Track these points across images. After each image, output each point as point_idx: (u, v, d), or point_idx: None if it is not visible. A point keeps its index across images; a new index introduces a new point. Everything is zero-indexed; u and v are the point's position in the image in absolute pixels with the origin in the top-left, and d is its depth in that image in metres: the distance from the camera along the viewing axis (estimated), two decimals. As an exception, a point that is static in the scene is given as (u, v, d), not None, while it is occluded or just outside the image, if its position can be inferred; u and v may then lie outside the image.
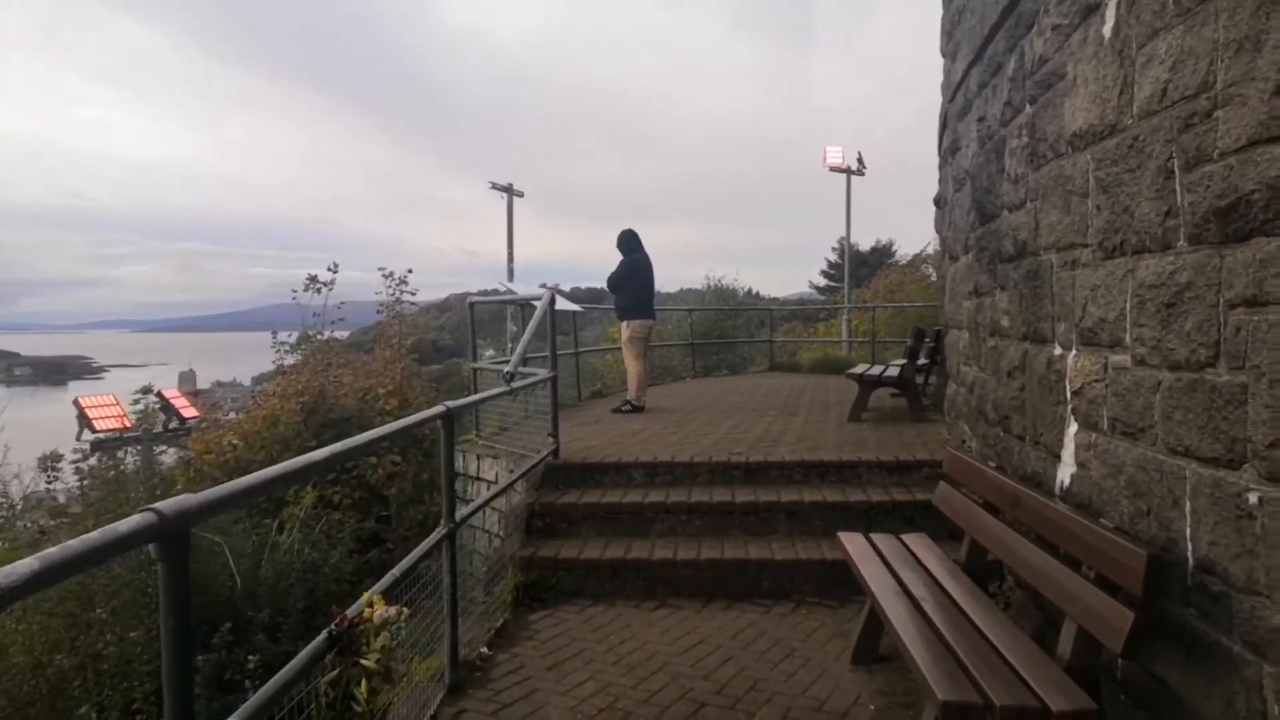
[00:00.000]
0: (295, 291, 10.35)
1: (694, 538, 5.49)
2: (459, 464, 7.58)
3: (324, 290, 10.28)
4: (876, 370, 8.76)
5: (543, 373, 6.35)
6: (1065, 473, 3.68)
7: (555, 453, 6.26)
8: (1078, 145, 3.51)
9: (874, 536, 4.51)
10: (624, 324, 9.83)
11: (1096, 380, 3.36)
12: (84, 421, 20.51)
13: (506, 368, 5.03)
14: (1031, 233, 4.13)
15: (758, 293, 23.87)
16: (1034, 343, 4.12)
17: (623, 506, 5.61)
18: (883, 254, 47.10)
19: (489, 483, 6.90)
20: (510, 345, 14.88)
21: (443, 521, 3.87)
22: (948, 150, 7.23)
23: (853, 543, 4.44)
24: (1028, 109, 4.24)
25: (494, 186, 16.01)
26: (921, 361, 9.18)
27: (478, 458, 7.18)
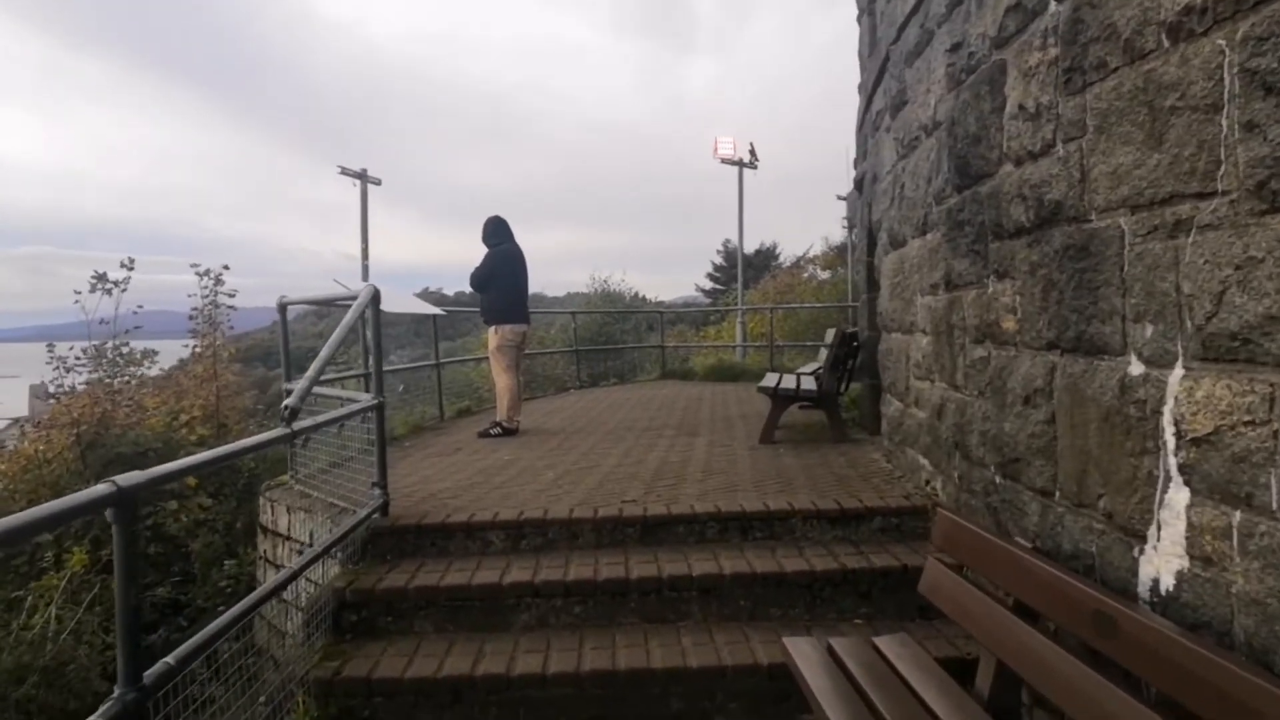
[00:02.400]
0: (79, 294, 8.22)
1: (573, 631, 3.90)
2: (266, 516, 5.78)
3: (115, 291, 8.21)
4: (791, 383, 7.38)
5: (363, 399, 4.65)
6: (1164, 568, 2.26)
7: (384, 508, 4.56)
8: (1187, 31, 2.12)
9: (835, 644, 3.03)
10: (491, 330, 8.16)
11: (1245, 423, 1.96)
12: None
13: (287, 399, 3.38)
14: (1073, 188, 2.72)
15: (644, 296, 22.52)
16: (1078, 354, 2.71)
17: (473, 590, 3.97)
18: (767, 256, 46.68)
19: (301, 545, 5.15)
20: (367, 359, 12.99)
21: (117, 687, 2.21)
22: (882, 112, 5.88)
23: (805, 658, 2.95)
24: (1054, 5, 2.85)
25: (344, 172, 13.97)
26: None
27: (288, 509, 5.40)
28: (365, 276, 12.98)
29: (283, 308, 5.93)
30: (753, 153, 19.02)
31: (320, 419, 4.05)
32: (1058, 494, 2.89)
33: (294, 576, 3.46)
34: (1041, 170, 2.93)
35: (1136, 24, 2.33)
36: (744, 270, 26.60)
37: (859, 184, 7.61)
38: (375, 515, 4.50)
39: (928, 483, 4.67)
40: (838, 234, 34.56)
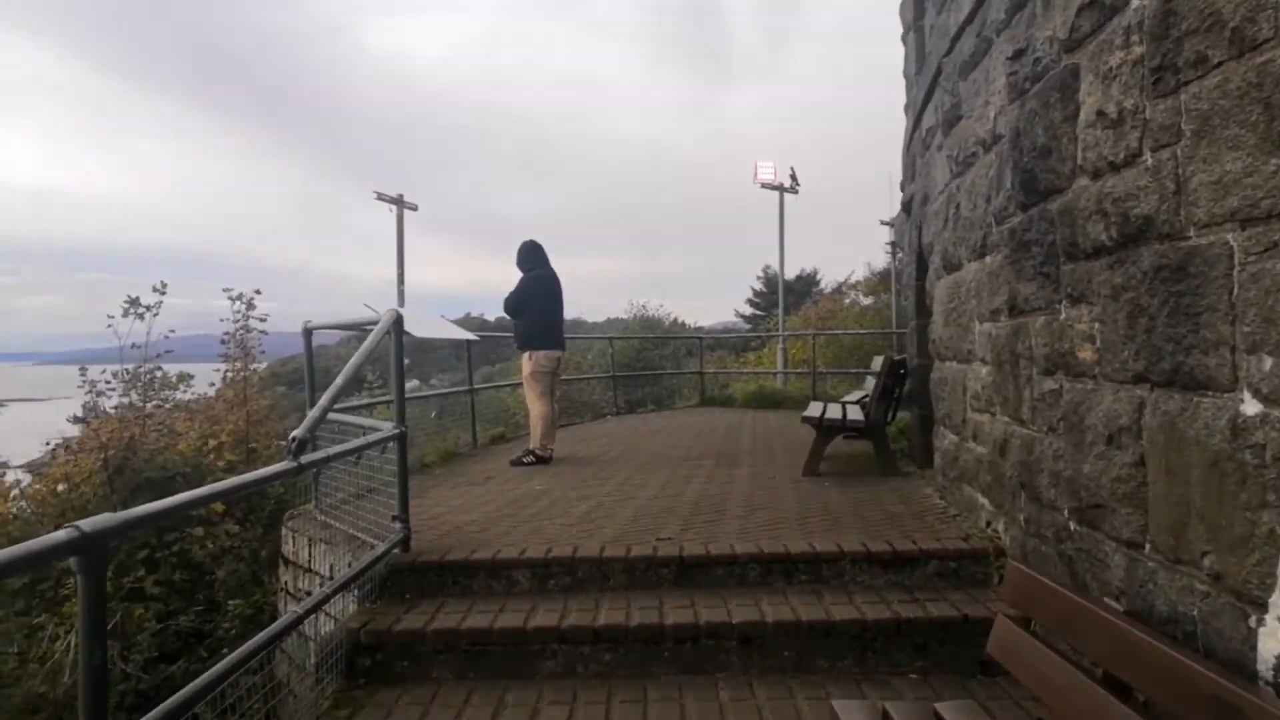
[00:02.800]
0: (112, 318, 8.17)
1: (602, 682, 3.61)
2: (288, 546, 5.57)
3: (147, 315, 8.14)
4: (837, 413, 7.05)
5: (384, 428, 4.42)
6: (1290, 642, 1.93)
7: (404, 543, 4.31)
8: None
9: (892, 710, 2.71)
10: (525, 356, 7.94)
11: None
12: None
13: (295, 431, 3.14)
14: (1165, 201, 2.41)
15: (683, 322, 22.26)
16: (1174, 389, 2.39)
17: (495, 635, 3.70)
18: (808, 282, 46.27)
19: (321, 578, 4.92)
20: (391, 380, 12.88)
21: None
22: (933, 130, 5.58)
23: (861, 728, 2.63)
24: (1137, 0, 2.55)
25: (380, 197, 13.93)
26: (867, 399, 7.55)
27: (309, 540, 5.19)
28: (401, 301, 12.86)
29: (308, 332, 5.75)
30: (793, 177, 18.77)
31: (333, 451, 3.82)
32: (1148, 547, 2.55)
33: (298, 621, 3.20)
34: (1126, 183, 2.62)
35: (1248, 10, 2.03)
36: (785, 296, 26.28)
37: (907, 206, 7.30)
38: (395, 550, 4.25)
39: (988, 524, 4.32)
40: (881, 259, 34.14)
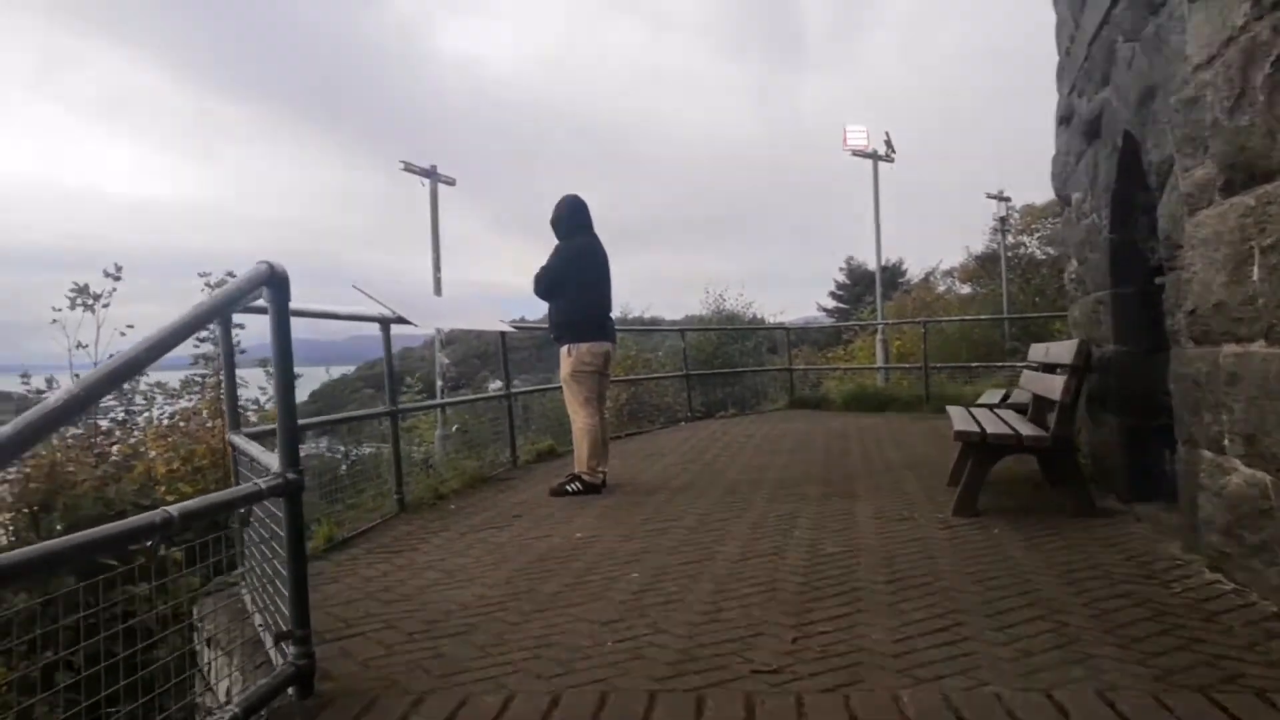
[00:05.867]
0: (58, 310, 6.53)
1: None
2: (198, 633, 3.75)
3: (95, 307, 6.50)
4: (1000, 426, 4.91)
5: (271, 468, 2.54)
6: None
7: (301, 680, 2.42)
8: None
9: None
10: (564, 350, 6.02)
11: None
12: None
13: None
14: None
15: (761, 318, 20.12)
16: None
17: None
18: (894, 273, 43.57)
19: (216, 706, 3.09)
20: (440, 383, 10.99)
21: None
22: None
23: None
24: None
25: (408, 168, 12.21)
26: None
27: (209, 638, 3.36)
28: (438, 290, 11.21)
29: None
30: (888, 143, 16.47)
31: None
32: None
33: None
34: None
35: None
36: (870, 289, 23.90)
37: (1094, 123, 5.14)
38: (286, 692, 2.36)
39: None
40: (978, 243, 31.39)
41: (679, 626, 2.97)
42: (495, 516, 5.29)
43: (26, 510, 5.59)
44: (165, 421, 7.26)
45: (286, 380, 2.39)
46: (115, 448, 6.50)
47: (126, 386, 7.67)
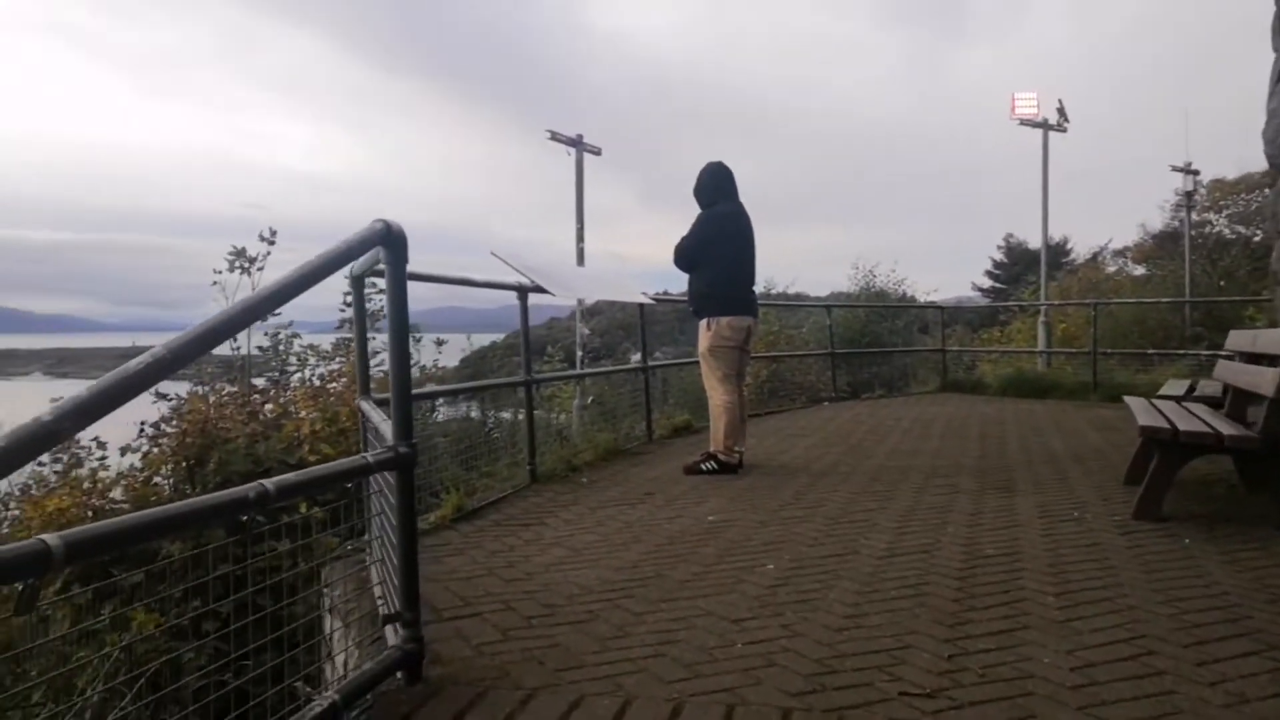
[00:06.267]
0: (218, 273, 6.86)
1: None
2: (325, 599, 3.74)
3: (252, 270, 6.76)
4: (1195, 424, 4.30)
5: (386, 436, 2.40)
6: None
7: (410, 664, 2.29)
8: None
9: None
10: (703, 324, 5.77)
11: None
12: None
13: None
14: None
15: (912, 296, 19.15)
16: None
17: None
18: (1057, 252, 40.91)
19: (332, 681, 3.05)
20: (580, 353, 10.93)
21: None
22: None
23: None
24: None
25: (554, 137, 12.17)
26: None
27: (331, 607, 3.32)
28: (580, 261, 11.16)
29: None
30: (1061, 112, 15.22)
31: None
32: None
33: None
34: None
35: None
36: (1031, 267, 22.37)
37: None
38: (394, 678, 2.24)
39: None
40: (1155, 219, 29.01)
41: (817, 630, 2.68)
42: (626, 492, 5.13)
43: (183, 463, 5.82)
44: (316, 383, 7.48)
45: (402, 347, 2.24)
46: (268, 406, 6.72)
47: (281, 347, 7.98)
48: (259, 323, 7.02)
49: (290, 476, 1.80)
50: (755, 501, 4.76)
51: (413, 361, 9.28)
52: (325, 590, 3.42)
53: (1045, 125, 15.12)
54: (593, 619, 2.83)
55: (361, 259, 3.45)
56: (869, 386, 13.01)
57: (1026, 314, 18.92)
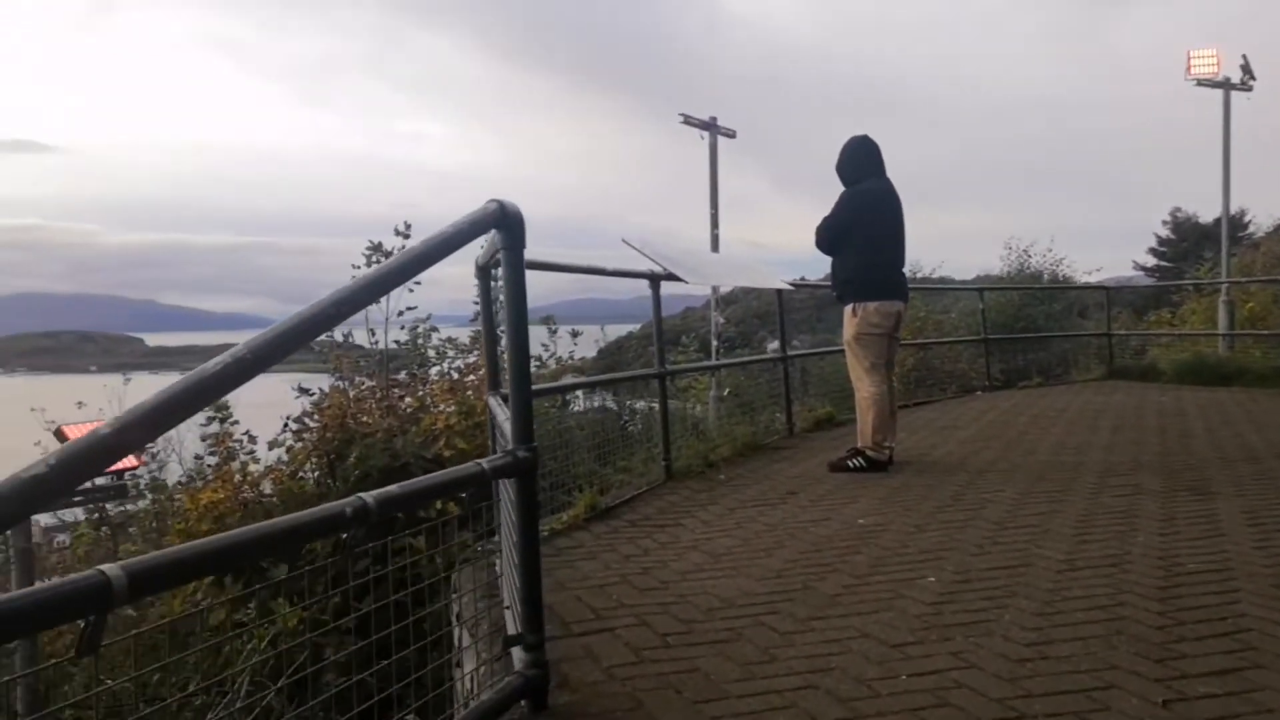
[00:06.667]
0: (356, 267, 6.98)
1: None
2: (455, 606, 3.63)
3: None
4: None
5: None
6: None
7: (535, 692, 2.09)
8: None
9: None
10: (848, 310, 5.39)
11: None
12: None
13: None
14: None
15: (1068, 277, 17.82)
16: None
17: None
18: (1234, 225, 37.53)
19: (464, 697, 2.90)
20: (716, 343, 10.67)
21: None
22: None
23: None
24: None
25: (687, 121, 11.87)
26: None
27: (457, 614, 3.19)
28: (715, 247, 10.88)
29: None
30: (1245, 69, 13.76)
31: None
32: None
33: None
34: None
35: None
36: (1202, 242, 20.49)
37: None
38: (519, 705, 2.05)
39: None
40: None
41: (994, 661, 2.33)
42: (767, 491, 4.83)
43: (325, 457, 5.91)
44: (454, 376, 7.51)
45: (520, 339, 2.04)
46: (405, 400, 6.78)
47: (419, 341, 8.07)
48: (396, 316, 7.09)
49: (394, 489, 1.63)
50: (909, 503, 4.38)
51: (550, 353, 9.27)
52: (455, 597, 3.29)
53: (1227, 85, 13.68)
54: (735, 639, 2.56)
55: (487, 249, 3.29)
56: (1025, 374, 12.15)
57: (1203, 294, 17.32)
